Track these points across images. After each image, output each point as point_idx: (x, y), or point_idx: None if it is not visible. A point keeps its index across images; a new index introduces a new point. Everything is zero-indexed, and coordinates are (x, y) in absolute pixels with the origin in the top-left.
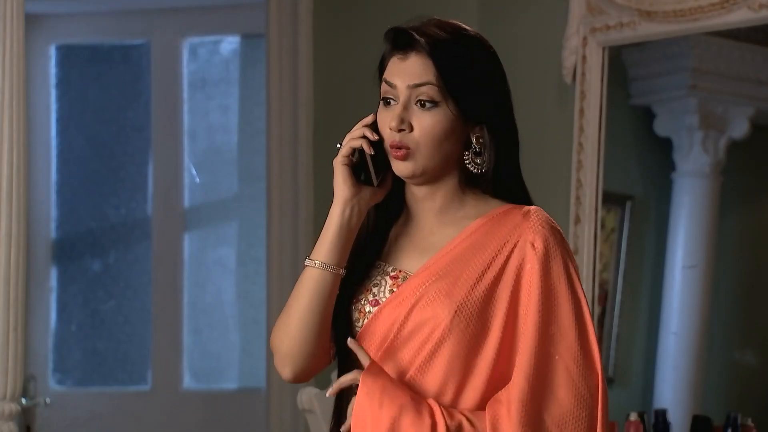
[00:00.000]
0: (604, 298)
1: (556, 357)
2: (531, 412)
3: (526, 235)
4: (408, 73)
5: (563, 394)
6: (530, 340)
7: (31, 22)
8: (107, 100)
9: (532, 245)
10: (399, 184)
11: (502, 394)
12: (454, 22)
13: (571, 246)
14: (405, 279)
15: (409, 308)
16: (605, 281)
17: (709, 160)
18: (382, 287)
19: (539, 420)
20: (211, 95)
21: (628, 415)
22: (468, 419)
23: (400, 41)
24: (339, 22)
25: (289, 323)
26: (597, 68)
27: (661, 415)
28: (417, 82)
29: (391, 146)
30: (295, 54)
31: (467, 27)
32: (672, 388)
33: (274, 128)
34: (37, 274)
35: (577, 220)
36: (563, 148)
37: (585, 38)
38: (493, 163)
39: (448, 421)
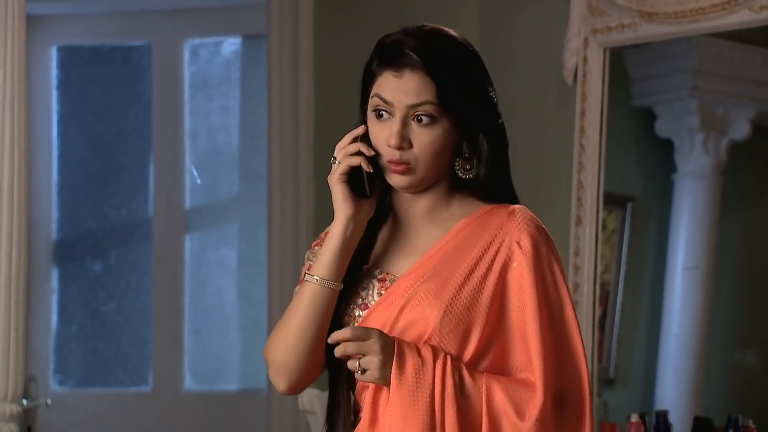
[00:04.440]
0: (605, 299)
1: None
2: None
3: (512, 233)
4: (404, 91)
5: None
6: (536, 340)
7: (32, 23)
8: (108, 101)
9: (519, 244)
10: (384, 187)
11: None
12: (442, 29)
13: (572, 247)
14: (392, 281)
15: (398, 310)
16: (606, 282)
17: (710, 161)
18: (370, 291)
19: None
20: (212, 96)
21: (629, 417)
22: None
23: (393, 57)
24: (340, 23)
25: (287, 336)
26: (598, 69)
27: (662, 416)
28: (416, 102)
29: (390, 162)
30: (296, 55)
31: (453, 33)
32: (673, 389)
33: (275, 129)
34: (38, 275)
35: (578, 222)
36: (564, 149)
37: (586, 39)
38: (486, 168)
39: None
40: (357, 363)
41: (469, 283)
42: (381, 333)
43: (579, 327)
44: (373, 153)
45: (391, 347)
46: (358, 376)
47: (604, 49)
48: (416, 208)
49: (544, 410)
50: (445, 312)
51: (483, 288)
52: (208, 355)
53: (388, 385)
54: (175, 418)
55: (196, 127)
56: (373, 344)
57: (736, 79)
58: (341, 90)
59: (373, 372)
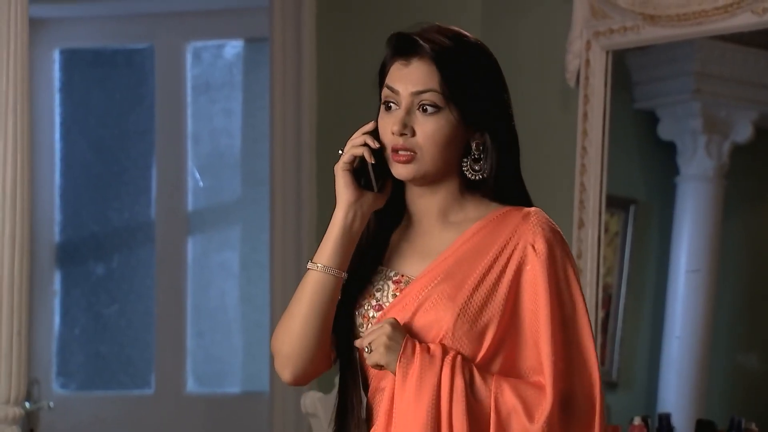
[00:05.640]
0: (607, 302)
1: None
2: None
3: (526, 236)
4: (410, 79)
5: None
6: (547, 343)
7: (35, 26)
8: (111, 104)
9: (533, 247)
10: (399, 190)
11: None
12: (455, 28)
13: (575, 250)
14: (407, 283)
15: (413, 311)
16: (609, 285)
17: (712, 164)
18: (385, 291)
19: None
20: (214, 99)
21: (631, 419)
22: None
23: (403, 47)
24: (342, 25)
25: (291, 326)
26: (601, 72)
27: (665, 419)
28: (420, 89)
29: (394, 149)
30: (298, 58)
31: (468, 33)
32: (676, 392)
33: (277, 132)
34: (40, 278)
35: (581, 224)
36: (567, 151)
37: (589, 42)
38: (494, 170)
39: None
40: (366, 341)
41: (483, 286)
42: (395, 322)
43: (592, 331)
44: (378, 145)
45: (401, 334)
46: (365, 354)
47: (607, 52)
48: (429, 208)
49: (553, 413)
50: (458, 314)
51: (497, 290)
52: (210, 358)
53: (392, 371)
54: (177, 421)
55: (198, 129)
56: (384, 327)
57: (738, 82)
58: (344, 93)
59: (380, 351)
